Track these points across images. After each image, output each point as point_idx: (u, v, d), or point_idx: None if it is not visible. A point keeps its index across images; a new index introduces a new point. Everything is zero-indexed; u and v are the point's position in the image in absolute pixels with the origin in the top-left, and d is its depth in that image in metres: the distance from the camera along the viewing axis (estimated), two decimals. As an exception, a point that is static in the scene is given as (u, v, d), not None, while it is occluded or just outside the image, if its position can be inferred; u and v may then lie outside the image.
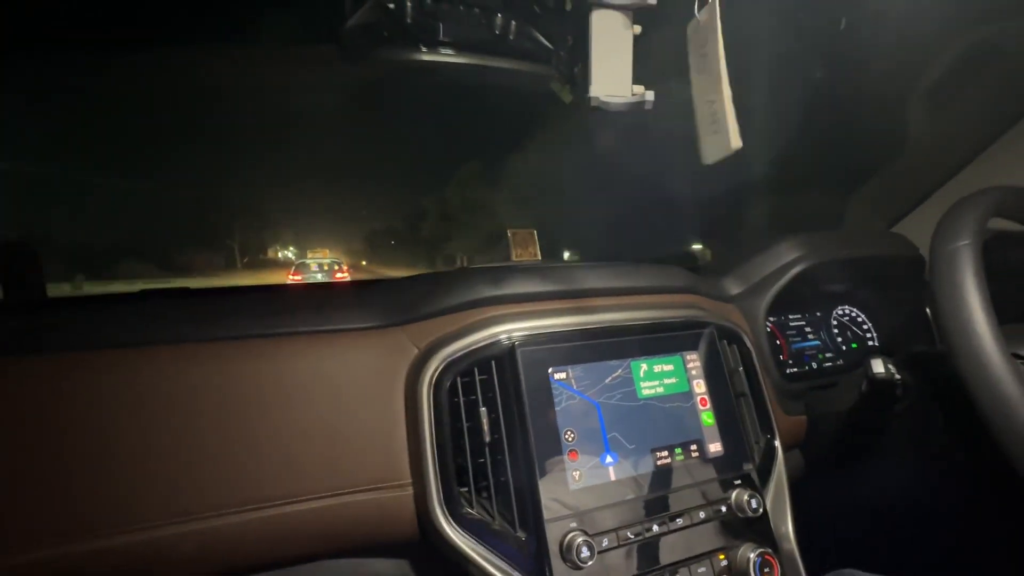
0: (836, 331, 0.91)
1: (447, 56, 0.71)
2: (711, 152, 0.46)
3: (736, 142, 0.43)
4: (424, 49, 0.72)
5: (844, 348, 0.89)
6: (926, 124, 0.86)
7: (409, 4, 0.64)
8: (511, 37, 0.61)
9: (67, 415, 0.45)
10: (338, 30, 0.70)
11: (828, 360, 0.87)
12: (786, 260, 0.82)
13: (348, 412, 0.53)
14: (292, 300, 0.61)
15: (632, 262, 0.77)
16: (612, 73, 0.45)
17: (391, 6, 0.64)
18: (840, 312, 0.93)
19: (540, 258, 1.08)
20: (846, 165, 1.03)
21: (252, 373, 0.51)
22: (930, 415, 0.66)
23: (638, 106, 0.46)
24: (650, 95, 0.46)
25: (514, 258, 1.04)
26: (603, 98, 0.45)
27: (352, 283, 0.71)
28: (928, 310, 0.87)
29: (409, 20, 0.65)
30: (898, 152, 0.91)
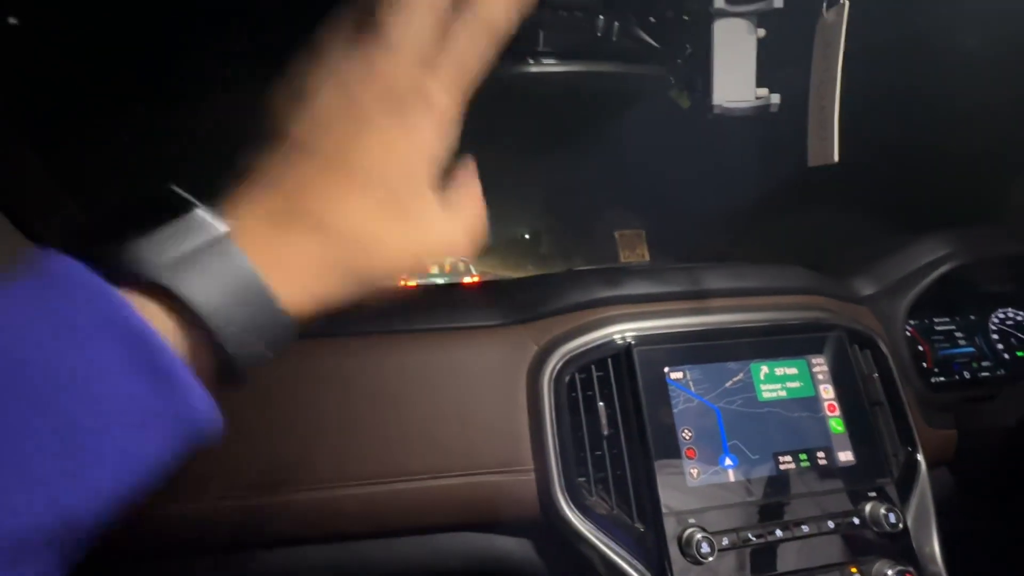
0: (996, 337, 0.80)
1: (555, 66, 0.75)
2: (815, 157, 0.45)
3: (836, 156, 0.43)
4: (531, 61, 0.77)
5: (1007, 356, 0.79)
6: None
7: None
8: (626, 46, 0.63)
9: (272, 392, 0.56)
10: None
11: (985, 369, 0.77)
12: (930, 258, 0.74)
13: (478, 400, 0.59)
14: (428, 300, 0.69)
15: (748, 262, 0.75)
16: (735, 79, 0.45)
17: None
18: (1001, 315, 0.82)
19: (648, 259, 1.08)
20: (1003, 150, 0.91)
21: (398, 363, 0.59)
22: None
23: (762, 110, 0.46)
24: (775, 98, 0.46)
25: (622, 259, 1.06)
26: (726, 104, 0.45)
27: (476, 284, 0.78)
28: None
29: (518, 33, 0.69)
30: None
